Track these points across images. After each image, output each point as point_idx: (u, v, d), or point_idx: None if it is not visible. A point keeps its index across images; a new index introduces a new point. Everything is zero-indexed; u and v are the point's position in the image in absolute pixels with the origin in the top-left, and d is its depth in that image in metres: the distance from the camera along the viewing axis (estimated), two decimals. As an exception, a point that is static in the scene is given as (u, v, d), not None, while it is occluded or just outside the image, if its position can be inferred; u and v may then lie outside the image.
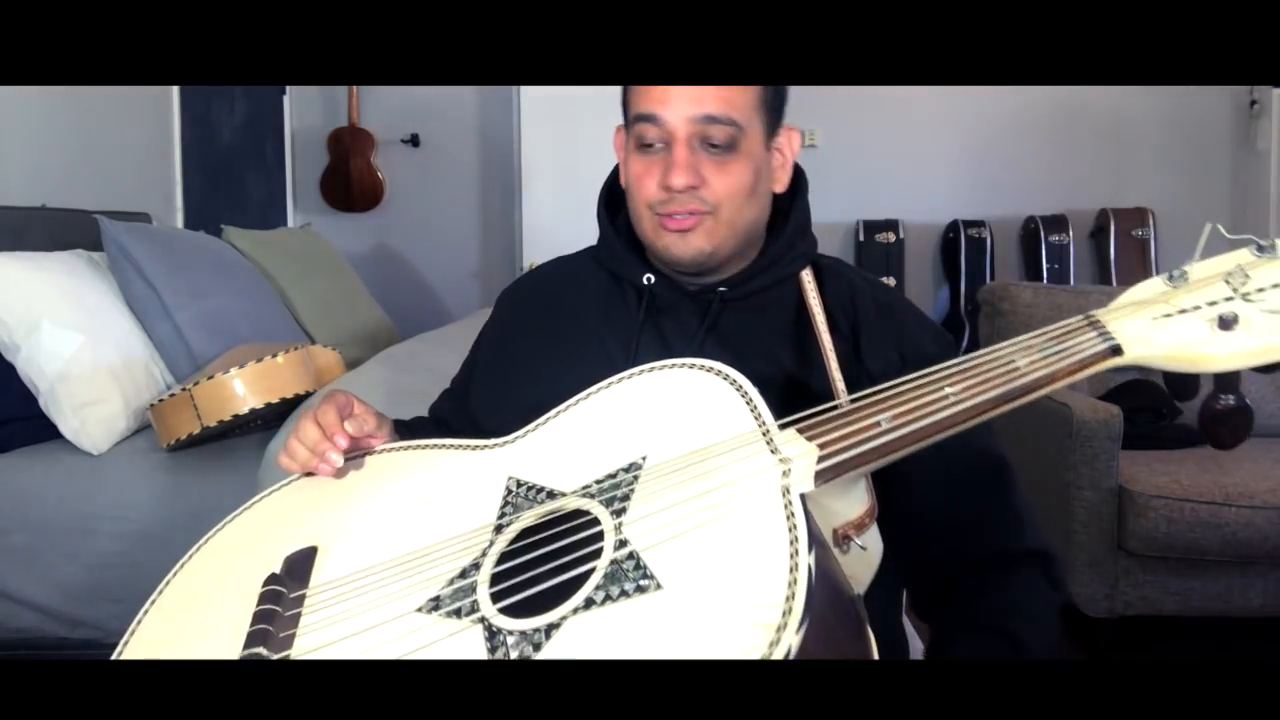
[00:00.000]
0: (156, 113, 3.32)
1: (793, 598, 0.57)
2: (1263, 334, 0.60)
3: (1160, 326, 0.64)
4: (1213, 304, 0.62)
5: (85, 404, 1.91)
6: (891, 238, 4.21)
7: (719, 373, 0.77)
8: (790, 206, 1.01)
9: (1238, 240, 0.65)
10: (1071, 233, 4.14)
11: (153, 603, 0.83)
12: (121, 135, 3.05)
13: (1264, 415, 2.61)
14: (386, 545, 0.80)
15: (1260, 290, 0.61)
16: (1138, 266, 4.11)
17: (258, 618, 0.75)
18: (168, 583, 0.85)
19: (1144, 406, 2.48)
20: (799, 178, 1.03)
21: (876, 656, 0.67)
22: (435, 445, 0.90)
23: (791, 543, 0.61)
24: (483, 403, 1.05)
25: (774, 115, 0.96)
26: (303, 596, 0.77)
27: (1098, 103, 4.29)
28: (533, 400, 0.86)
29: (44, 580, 1.82)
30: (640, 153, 0.93)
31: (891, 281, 4.17)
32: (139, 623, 0.81)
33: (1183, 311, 0.63)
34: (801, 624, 0.56)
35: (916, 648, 1.23)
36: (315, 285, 2.86)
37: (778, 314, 0.97)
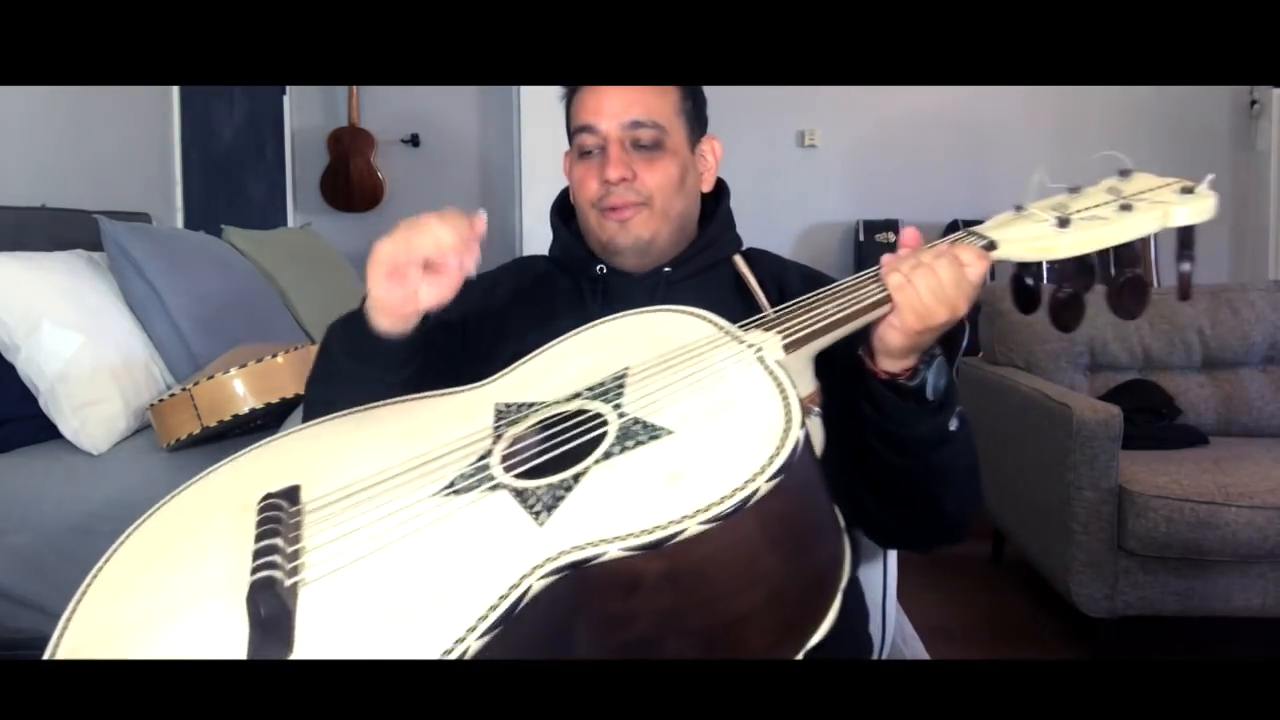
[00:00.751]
0: (156, 113, 3.31)
1: (789, 409, 0.69)
2: (1086, 229, 0.86)
3: (1019, 229, 0.88)
4: (1051, 216, 0.88)
5: (85, 404, 1.90)
6: (891, 238, 4.21)
7: (676, 309, 0.88)
8: (715, 209, 1.13)
9: (1056, 188, 0.91)
10: (1071, 233, 4.14)
11: (115, 552, 0.77)
12: (121, 135, 3.05)
13: (1264, 415, 2.61)
14: (378, 467, 0.76)
15: (1078, 211, 0.88)
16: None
17: (262, 522, 0.71)
18: (129, 535, 0.79)
19: (1144, 406, 2.49)
20: (721, 185, 1.15)
21: (840, 515, 0.75)
22: (406, 398, 0.87)
23: (776, 381, 0.73)
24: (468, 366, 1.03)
25: (695, 123, 1.08)
26: (300, 510, 0.74)
27: (1098, 102, 4.29)
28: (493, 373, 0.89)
29: (44, 580, 1.82)
30: (581, 160, 1.06)
31: (891, 281, 4.16)
32: (95, 576, 0.75)
33: (1032, 219, 0.88)
34: (803, 424, 0.67)
35: (918, 651, 1.23)
36: (315, 285, 2.86)
37: (718, 290, 1.07)
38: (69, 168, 2.73)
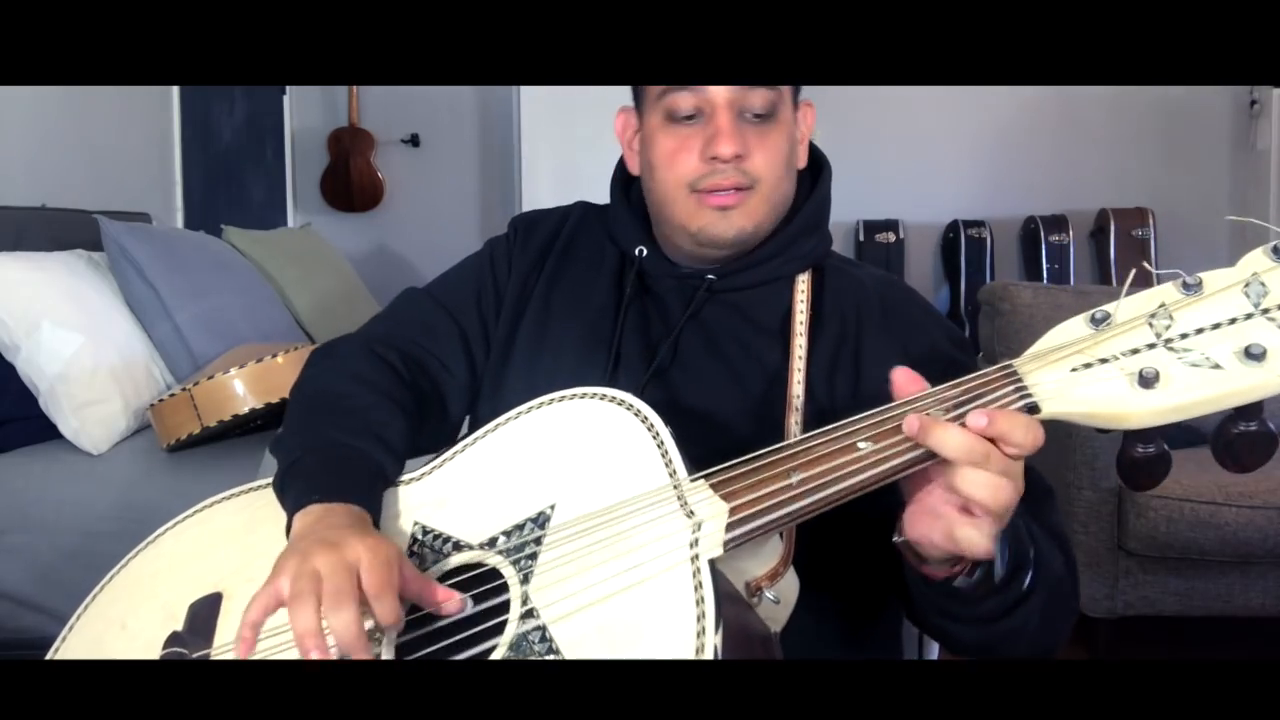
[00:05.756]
0: (156, 113, 3.31)
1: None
2: (1183, 391, 0.58)
3: (1078, 380, 0.62)
4: (1134, 352, 0.59)
5: (85, 404, 1.90)
6: (891, 238, 4.20)
7: (631, 408, 0.73)
8: (805, 198, 0.94)
9: (1166, 275, 0.61)
10: (1071, 233, 4.13)
11: (55, 650, 0.80)
12: (121, 135, 3.05)
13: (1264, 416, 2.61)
14: None
15: (1183, 336, 0.58)
16: (1138, 266, 4.10)
17: None
18: (70, 627, 0.82)
19: (1144, 406, 2.48)
20: (821, 167, 0.95)
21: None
22: None
23: (699, 618, 0.60)
24: (498, 344, 0.98)
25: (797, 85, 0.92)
26: (207, 656, 0.75)
27: (1098, 102, 4.29)
28: (538, 354, 0.88)
29: (44, 580, 1.82)
30: (672, 127, 0.87)
31: (891, 281, 4.16)
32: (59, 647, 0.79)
33: (1103, 361, 0.60)
34: None
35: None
36: (315, 285, 2.86)
37: (766, 313, 0.91)
38: (69, 168, 2.73)
